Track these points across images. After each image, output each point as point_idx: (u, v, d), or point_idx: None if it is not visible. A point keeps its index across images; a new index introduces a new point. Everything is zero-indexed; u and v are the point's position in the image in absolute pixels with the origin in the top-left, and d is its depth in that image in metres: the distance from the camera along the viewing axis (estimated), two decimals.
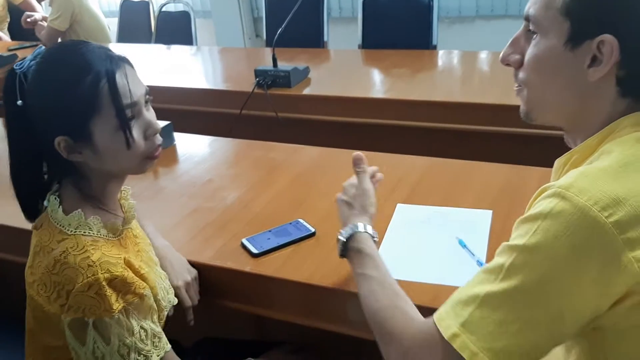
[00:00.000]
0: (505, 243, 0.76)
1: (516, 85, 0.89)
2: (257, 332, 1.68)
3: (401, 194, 1.53)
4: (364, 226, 1.06)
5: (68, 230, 0.99)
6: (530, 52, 0.83)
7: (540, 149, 1.99)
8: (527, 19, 0.83)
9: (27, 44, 3.95)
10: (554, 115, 0.86)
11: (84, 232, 0.99)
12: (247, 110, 2.50)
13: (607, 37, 0.74)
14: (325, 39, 3.43)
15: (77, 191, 1.03)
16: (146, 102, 1.04)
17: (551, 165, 1.53)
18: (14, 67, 0.99)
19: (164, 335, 1.08)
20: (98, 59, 0.96)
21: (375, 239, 1.06)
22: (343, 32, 4.02)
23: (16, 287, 1.25)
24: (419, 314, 0.85)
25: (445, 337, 0.75)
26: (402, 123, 2.28)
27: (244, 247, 1.35)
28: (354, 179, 1.17)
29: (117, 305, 0.96)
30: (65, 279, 0.95)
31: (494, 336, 0.72)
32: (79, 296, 0.94)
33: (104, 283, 0.94)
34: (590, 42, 0.76)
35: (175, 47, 3.61)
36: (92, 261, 0.95)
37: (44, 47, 1.04)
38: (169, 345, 1.08)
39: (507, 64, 0.88)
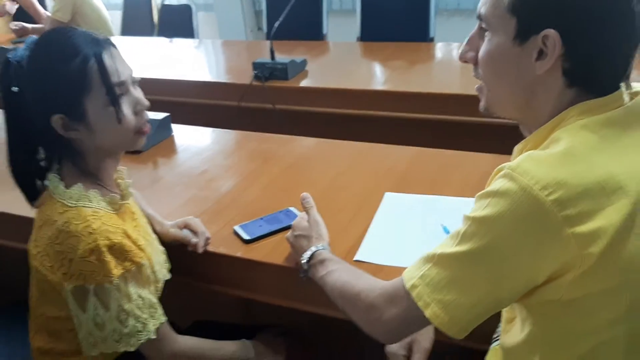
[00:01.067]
0: (465, 214, 0.83)
1: (478, 82, 0.93)
2: (246, 316, 1.73)
3: (389, 183, 1.58)
4: (322, 245, 1.17)
5: (69, 203, 1.06)
6: (482, 49, 0.88)
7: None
8: (480, 17, 0.87)
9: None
10: (508, 109, 0.91)
11: (85, 204, 1.06)
12: (246, 103, 2.55)
13: (550, 32, 0.78)
14: (325, 31, 3.46)
15: (76, 169, 1.10)
16: (133, 82, 1.13)
17: None
18: (8, 56, 1.06)
19: (160, 307, 1.14)
20: (85, 42, 1.05)
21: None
22: (343, 25, 4.05)
23: (16, 273, 1.32)
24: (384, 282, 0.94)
25: (407, 287, 0.85)
26: (398, 115, 2.33)
27: (236, 233, 1.40)
28: (302, 216, 1.28)
29: (116, 271, 1.03)
30: (68, 248, 1.02)
31: (444, 290, 0.81)
32: (81, 263, 1.01)
33: (104, 249, 1.02)
34: (535, 37, 0.80)
35: (177, 40, 3.65)
36: (93, 229, 1.02)
37: (35, 37, 1.10)
38: (165, 317, 1.14)
39: (465, 61, 0.93)
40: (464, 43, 0.92)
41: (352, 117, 2.40)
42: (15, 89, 1.05)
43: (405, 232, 1.32)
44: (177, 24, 4.01)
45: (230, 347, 1.30)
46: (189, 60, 3.24)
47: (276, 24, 2.52)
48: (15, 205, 1.59)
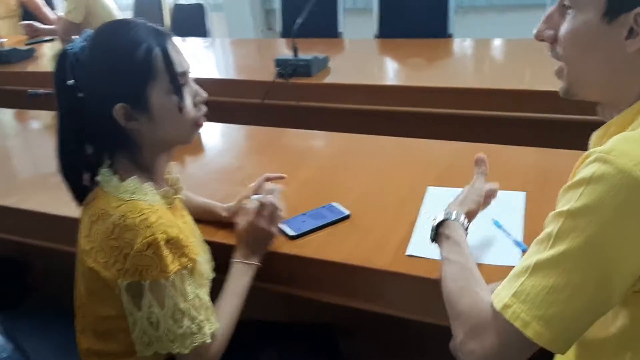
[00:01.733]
0: (552, 212, 0.77)
1: (558, 63, 0.90)
2: (287, 314, 1.70)
3: (430, 177, 1.55)
4: (456, 214, 1.09)
5: (125, 196, 1.03)
6: (566, 27, 0.84)
7: (559, 133, 2.02)
8: None
9: (44, 38, 3.97)
10: (593, 89, 0.87)
11: (140, 198, 1.04)
12: (269, 100, 2.52)
13: None
14: (341, 29, 3.44)
15: (130, 163, 1.08)
16: (189, 76, 1.12)
17: (571, 148, 1.57)
18: (66, 48, 1.04)
19: (214, 312, 1.11)
20: (147, 32, 1.04)
21: (466, 228, 1.08)
22: (357, 23, 4.02)
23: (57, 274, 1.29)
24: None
25: (498, 309, 0.77)
26: (421, 110, 2.30)
27: (280, 230, 1.37)
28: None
29: (172, 266, 1.00)
30: (124, 242, 0.99)
31: (545, 304, 0.73)
32: (137, 257, 0.98)
33: (161, 243, 0.99)
34: (627, 14, 0.77)
35: (191, 40, 3.63)
36: (150, 222, 1.00)
37: (90, 31, 1.07)
38: (218, 324, 1.10)
39: (542, 40, 0.89)
40: (541, 21, 0.89)
41: (377, 112, 2.38)
42: (71, 82, 1.02)
43: None
44: (189, 24, 3.99)
45: (238, 283, 1.21)
46: (206, 59, 3.22)
47: (298, 21, 2.50)
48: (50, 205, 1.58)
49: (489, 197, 1.24)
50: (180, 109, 1.06)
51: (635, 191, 0.69)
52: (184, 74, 1.07)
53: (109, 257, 1.01)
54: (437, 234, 1.08)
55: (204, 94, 1.13)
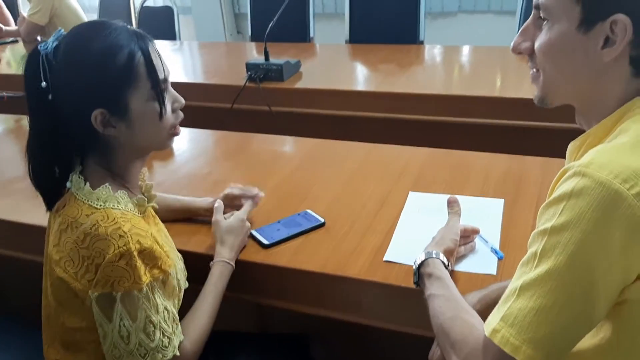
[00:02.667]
0: (534, 231, 0.77)
1: (533, 70, 0.89)
2: (259, 324, 1.66)
3: (404, 183, 1.54)
4: (435, 253, 1.08)
5: (97, 204, 0.99)
6: (542, 38, 0.83)
7: (531, 141, 2.04)
8: (538, 7, 0.84)
9: (6, 40, 3.86)
10: (569, 99, 0.87)
11: (113, 206, 1.00)
12: (238, 104, 2.48)
13: (620, 17, 0.75)
14: (312, 34, 3.42)
15: (102, 169, 1.04)
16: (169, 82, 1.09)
17: (543, 155, 1.58)
18: (38, 47, 0.99)
19: (180, 324, 1.07)
20: (128, 36, 0.99)
21: (447, 265, 1.08)
22: (326, 28, 4.03)
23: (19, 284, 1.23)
24: (483, 324, 0.83)
25: (487, 335, 0.76)
26: (394, 116, 2.29)
27: (253, 238, 1.34)
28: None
29: (145, 278, 0.97)
30: (95, 252, 0.95)
31: (533, 326, 0.72)
32: (109, 268, 0.94)
33: (134, 253, 0.95)
34: (602, 23, 0.77)
35: (159, 42, 3.55)
36: (124, 231, 0.96)
37: (63, 31, 1.03)
38: (182, 336, 1.07)
39: (519, 53, 0.89)
40: (517, 34, 0.88)
41: (349, 118, 2.36)
42: (44, 84, 0.98)
43: (433, 232, 1.28)
44: (157, 26, 3.91)
45: (218, 286, 1.19)
46: (174, 62, 3.15)
47: (270, 25, 2.47)
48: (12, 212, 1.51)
49: (467, 236, 1.23)
50: (161, 116, 1.03)
51: (615, 203, 0.69)
52: (165, 80, 1.04)
53: (79, 267, 0.97)
54: (419, 275, 1.07)
55: (182, 101, 1.10)
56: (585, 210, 0.70)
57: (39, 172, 1.05)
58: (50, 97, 0.98)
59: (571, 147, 0.89)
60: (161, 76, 1.02)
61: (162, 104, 1.03)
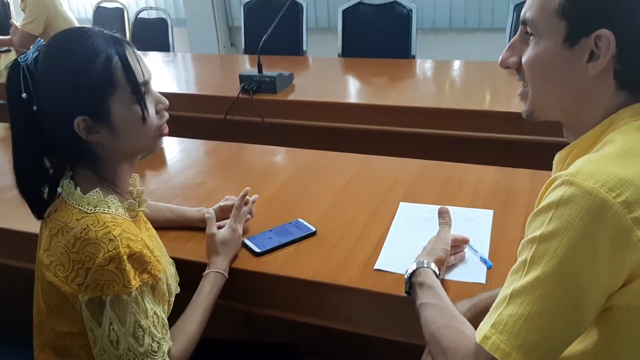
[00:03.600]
0: (524, 240, 0.78)
1: (522, 85, 0.92)
2: (248, 332, 1.66)
3: (398, 194, 1.55)
4: (427, 262, 1.10)
5: (87, 209, 1.00)
6: (529, 53, 0.86)
7: (520, 154, 2.07)
8: (525, 23, 0.86)
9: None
10: (556, 112, 0.89)
11: (104, 210, 1.00)
12: (231, 116, 2.50)
13: (604, 32, 0.77)
14: (305, 47, 3.45)
15: (92, 174, 1.05)
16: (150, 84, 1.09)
17: (531, 168, 1.60)
18: (18, 59, 0.99)
19: (168, 330, 1.08)
20: (105, 41, 1.00)
21: (438, 275, 1.09)
22: (319, 42, 4.06)
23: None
24: (474, 331, 0.84)
25: (478, 342, 0.77)
26: (385, 128, 2.31)
27: (245, 246, 1.34)
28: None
29: (134, 282, 0.97)
30: (86, 256, 0.95)
31: (523, 332, 0.73)
32: (99, 271, 0.95)
33: (124, 257, 0.95)
34: (587, 38, 0.79)
35: (153, 54, 3.58)
36: (114, 235, 0.96)
37: (42, 41, 1.03)
38: (172, 342, 1.07)
39: (507, 67, 0.91)
40: (505, 49, 0.91)
41: (341, 130, 2.38)
42: (24, 95, 0.98)
43: (424, 242, 1.29)
44: (152, 38, 3.93)
45: (210, 295, 1.20)
46: (168, 73, 3.17)
47: (264, 37, 2.49)
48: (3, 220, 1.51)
49: (457, 246, 1.25)
50: (144, 119, 1.03)
51: (602, 211, 0.70)
52: (146, 82, 1.04)
53: (69, 271, 0.97)
54: (411, 284, 1.08)
55: (166, 102, 1.10)
56: (573, 218, 0.71)
57: (25, 183, 1.05)
58: (32, 107, 0.98)
59: (558, 157, 0.91)
60: (140, 80, 1.02)
61: (144, 107, 1.03)
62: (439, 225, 1.24)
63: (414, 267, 1.09)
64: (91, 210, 0.99)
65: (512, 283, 0.77)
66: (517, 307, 0.74)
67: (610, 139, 0.79)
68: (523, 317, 0.74)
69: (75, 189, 1.02)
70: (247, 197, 1.38)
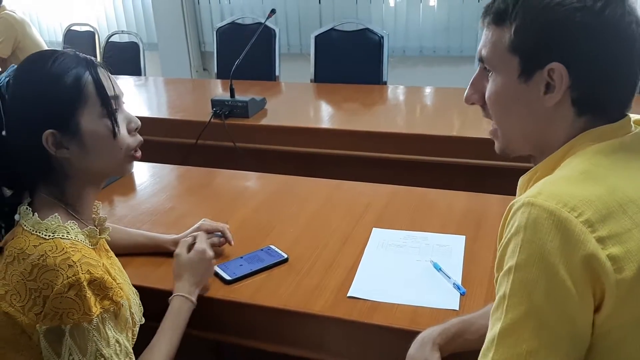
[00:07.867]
0: (499, 274, 0.76)
1: (491, 124, 0.92)
2: None
3: (370, 220, 1.55)
4: None
5: (45, 235, 0.96)
6: (489, 89, 0.88)
7: (489, 179, 2.09)
8: (481, 59, 0.88)
9: None
10: (524, 145, 0.90)
11: (63, 236, 0.97)
12: (203, 140, 2.48)
13: (555, 65, 0.79)
14: (277, 73, 3.46)
15: (53, 199, 1.02)
16: (122, 102, 1.08)
17: (500, 193, 1.62)
18: None
19: (134, 357, 1.04)
20: (76, 59, 1.00)
21: None
22: (291, 68, 4.07)
23: None
24: None
25: None
26: (357, 153, 2.32)
27: (216, 274, 1.32)
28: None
29: (95, 309, 0.94)
30: (43, 284, 0.92)
31: None
32: (57, 299, 0.91)
33: (84, 283, 0.92)
34: (540, 71, 0.81)
35: (124, 78, 3.54)
36: (73, 261, 0.93)
37: (15, 66, 1.02)
38: None
39: (472, 103, 0.93)
40: (468, 86, 0.92)
41: (313, 155, 2.38)
42: None
43: (397, 268, 1.29)
44: (123, 62, 3.90)
45: (178, 321, 1.17)
46: (139, 98, 3.14)
47: (237, 62, 2.50)
48: None
49: None
50: (114, 134, 1.02)
51: (568, 232, 0.70)
52: (117, 97, 1.04)
53: (26, 300, 0.93)
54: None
55: (137, 121, 1.09)
56: (544, 242, 0.70)
57: None
58: (3, 132, 0.97)
59: (521, 181, 0.92)
60: (110, 93, 1.01)
61: (114, 121, 1.02)
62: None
63: None
64: (49, 236, 0.96)
65: (496, 323, 0.73)
66: (511, 347, 0.70)
67: (569, 162, 0.81)
68: (520, 356, 0.69)
69: (33, 215, 0.99)
70: (226, 235, 1.39)
